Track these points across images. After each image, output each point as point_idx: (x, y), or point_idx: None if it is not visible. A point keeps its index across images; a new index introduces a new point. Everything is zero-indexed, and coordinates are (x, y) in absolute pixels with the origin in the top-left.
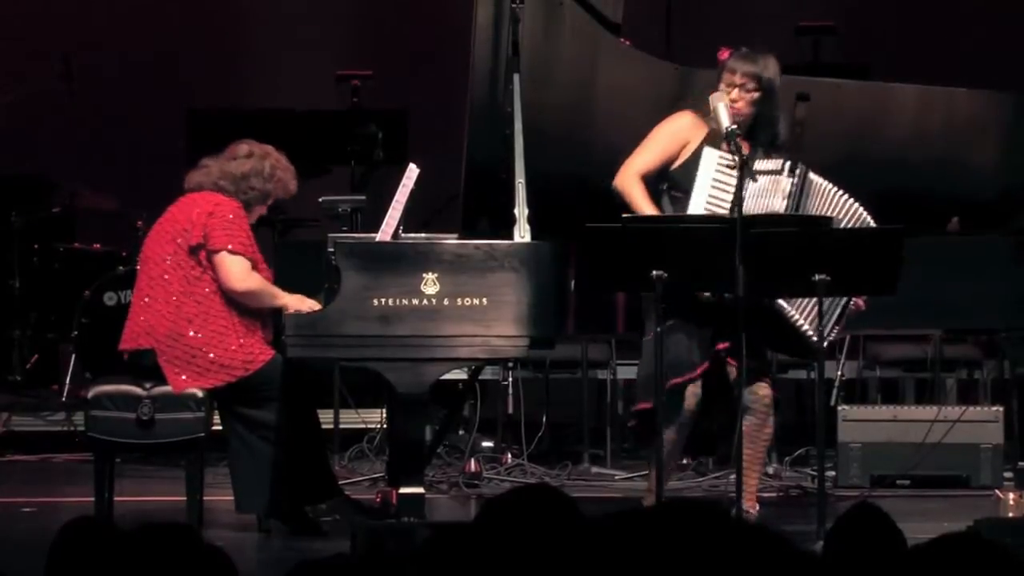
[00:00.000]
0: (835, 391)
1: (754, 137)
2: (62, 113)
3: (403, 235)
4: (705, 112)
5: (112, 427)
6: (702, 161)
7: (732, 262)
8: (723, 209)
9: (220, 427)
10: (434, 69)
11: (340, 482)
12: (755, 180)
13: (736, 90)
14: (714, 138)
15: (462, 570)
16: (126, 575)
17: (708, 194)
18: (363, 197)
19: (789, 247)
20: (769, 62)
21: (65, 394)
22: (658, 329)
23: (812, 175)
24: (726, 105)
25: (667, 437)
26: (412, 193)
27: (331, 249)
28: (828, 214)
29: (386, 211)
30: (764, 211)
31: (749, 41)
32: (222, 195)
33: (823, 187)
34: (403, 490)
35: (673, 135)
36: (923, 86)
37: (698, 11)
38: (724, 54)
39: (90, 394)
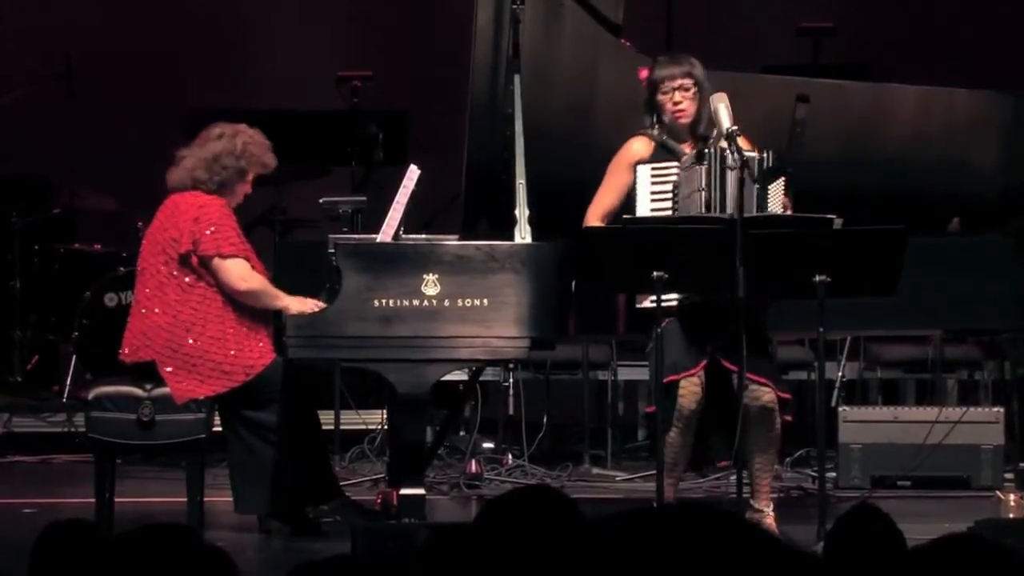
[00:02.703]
0: (836, 392)
1: (694, 133)
2: (62, 113)
3: (404, 236)
4: (649, 130)
5: (112, 428)
6: (638, 180)
7: (732, 263)
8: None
9: (220, 428)
10: (434, 70)
11: (341, 483)
12: (757, 183)
13: (677, 92)
14: (659, 150)
15: (462, 571)
16: None
17: (649, 209)
18: (364, 198)
19: (789, 248)
20: (692, 59)
21: (65, 395)
22: (658, 330)
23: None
24: (727, 106)
25: (670, 439)
26: (413, 194)
27: (332, 250)
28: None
29: (387, 212)
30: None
31: (750, 42)
32: (203, 194)
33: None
34: (404, 491)
35: (620, 165)
36: (923, 87)
37: (699, 12)
38: (643, 72)
39: (90, 395)
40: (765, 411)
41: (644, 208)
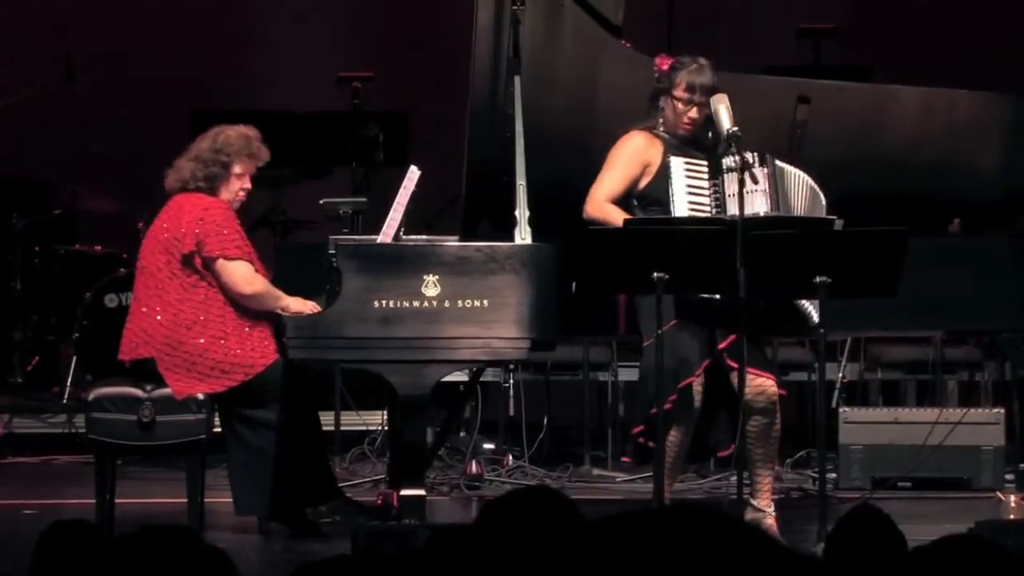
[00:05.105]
0: (836, 393)
1: (698, 141)
2: (62, 114)
3: (404, 237)
4: (652, 127)
5: (113, 429)
6: (672, 172)
7: (733, 264)
8: (704, 212)
9: (221, 429)
10: (435, 71)
11: (341, 484)
12: (756, 181)
13: (695, 108)
14: (671, 148)
15: (462, 572)
16: None
17: (687, 201)
18: (364, 199)
19: (790, 249)
20: (710, 69)
21: (66, 396)
22: (659, 331)
23: (778, 161)
24: (727, 107)
25: (674, 438)
26: (413, 195)
27: (332, 251)
28: (800, 196)
29: (387, 213)
30: (749, 211)
31: (751, 43)
32: (206, 196)
33: (789, 171)
34: (404, 492)
35: (631, 156)
36: (925, 88)
37: (699, 13)
38: (664, 64)
39: (91, 396)
40: (770, 404)
41: (681, 202)
